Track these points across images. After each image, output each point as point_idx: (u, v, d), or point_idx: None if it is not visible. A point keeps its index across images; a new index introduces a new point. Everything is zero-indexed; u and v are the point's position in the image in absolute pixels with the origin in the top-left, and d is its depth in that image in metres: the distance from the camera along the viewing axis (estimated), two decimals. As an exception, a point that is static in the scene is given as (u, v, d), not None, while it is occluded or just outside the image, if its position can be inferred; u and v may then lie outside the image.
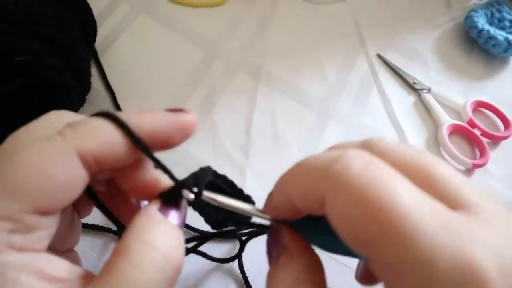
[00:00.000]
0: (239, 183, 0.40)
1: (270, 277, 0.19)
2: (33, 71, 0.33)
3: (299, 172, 0.19)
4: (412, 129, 0.47)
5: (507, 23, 0.53)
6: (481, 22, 0.52)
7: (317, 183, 0.17)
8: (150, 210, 0.20)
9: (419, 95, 0.49)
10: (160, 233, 0.19)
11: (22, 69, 0.32)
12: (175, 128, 0.20)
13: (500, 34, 0.50)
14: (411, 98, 0.49)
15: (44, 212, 0.18)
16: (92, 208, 0.26)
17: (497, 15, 0.54)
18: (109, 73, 0.45)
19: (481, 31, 0.51)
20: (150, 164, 0.21)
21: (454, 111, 0.49)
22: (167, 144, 0.21)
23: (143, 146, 0.19)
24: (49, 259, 0.18)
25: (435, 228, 0.14)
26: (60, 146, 0.18)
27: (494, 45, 0.50)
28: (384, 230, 0.14)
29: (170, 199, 0.21)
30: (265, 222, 0.22)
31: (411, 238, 0.14)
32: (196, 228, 0.36)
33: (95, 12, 0.43)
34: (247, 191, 0.42)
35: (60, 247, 0.23)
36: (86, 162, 0.18)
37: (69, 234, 0.23)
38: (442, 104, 0.48)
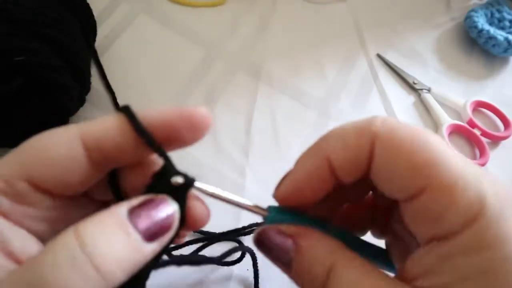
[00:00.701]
0: (239, 183, 0.40)
1: (300, 263, 0.19)
2: (33, 71, 0.33)
3: (341, 132, 0.19)
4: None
5: (507, 23, 0.53)
6: (481, 22, 0.52)
7: (364, 134, 0.18)
8: (119, 205, 0.17)
9: (419, 95, 0.49)
10: (104, 235, 0.16)
11: (22, 69, 0.32)
12: (178, 119, 0.19)
13: (500, 34, 0.50)
14: (411, 98, 0.49)
15: (37, 186, 0.18)
16: None
17: (497, 15, 0.54)
18: (109, 73, 0.45)
19: (481, 31, 0.51)
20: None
21: (454, 111, 0.49)
22: (173, 137, 0.19)
23: (138, 126, 0.18)
24: (26, 238, 0.18)
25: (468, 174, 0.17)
26: (68, 129, 0.19)
27: (494, 45, 0.50)
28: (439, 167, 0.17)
29: (158, 187, 0.19)
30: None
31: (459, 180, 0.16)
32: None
33: (95, 12, 0.43)
34: (247, 191, 0.42)
35: None
36: (88, 146, 0.18)
37: None
38: (442, 104, 0.48)
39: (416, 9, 0.56)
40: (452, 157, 0.17)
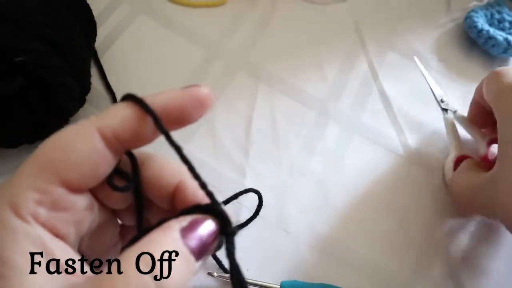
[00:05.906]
0: (239, 183, 0.40)
1: None
2: (33, 71, 0.33)
3: None
4: (412, 129, 0.47)
5: (507, 24, 0.53)
6: (481, 22, 0.52)
7: None
8: (170, 226, 0.18)
9: (419, 95, 0.49)
10: (170, 265, 0.17)
11: (22, 69, 0.32)
12: (188, 100, 0.21)
13: (499, 35, 0.50)
14: (411, 98, 0.49)
15: (71, 187, 0.19)
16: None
17: (497, 16, 0.54)
18: (109, 73, 0.45)
19: (480, 31, 0.51)
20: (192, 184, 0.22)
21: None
22: (183, 117, 0.21)
23: (153, 115, 0.20)
24: (64, 247, 0.18)
25: None
26: (83, 125, 0.19)
27: (493, 46, 0.50)
28: None
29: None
30: None
31: None
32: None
33: (95, 12, 0.43)
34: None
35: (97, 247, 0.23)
36: (106, 138, 0.19)
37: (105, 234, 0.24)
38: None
39: (416, 9, 0.56)
40: None
